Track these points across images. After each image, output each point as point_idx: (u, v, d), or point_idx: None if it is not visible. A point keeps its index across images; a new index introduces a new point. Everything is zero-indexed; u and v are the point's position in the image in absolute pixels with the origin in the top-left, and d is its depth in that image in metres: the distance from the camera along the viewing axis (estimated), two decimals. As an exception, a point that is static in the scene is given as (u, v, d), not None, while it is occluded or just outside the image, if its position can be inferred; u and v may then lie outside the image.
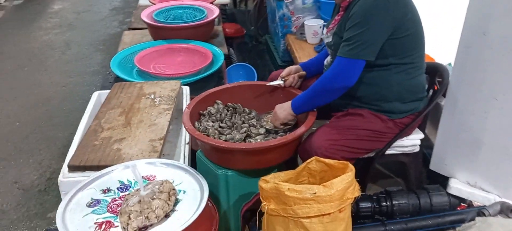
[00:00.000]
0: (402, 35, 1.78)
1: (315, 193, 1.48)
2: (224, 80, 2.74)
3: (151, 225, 1.41)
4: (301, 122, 1.91)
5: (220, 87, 2.16)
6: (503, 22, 1.69)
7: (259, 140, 1.91)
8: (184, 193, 1.56)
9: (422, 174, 2.15)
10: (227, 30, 4.33)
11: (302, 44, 3.37)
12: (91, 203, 1.54)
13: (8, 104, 3.46)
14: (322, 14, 3.44)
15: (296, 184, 1.70)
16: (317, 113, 1.89)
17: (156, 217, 1.41)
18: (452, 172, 2.02)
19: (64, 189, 1.76)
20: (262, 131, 1.97)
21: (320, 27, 3.28)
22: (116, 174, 1.67)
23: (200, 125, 1.98)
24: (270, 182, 1.58)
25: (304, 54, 3.18)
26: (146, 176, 1.66)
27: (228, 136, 1.92)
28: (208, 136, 1.89)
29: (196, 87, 2.49)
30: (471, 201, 1.99)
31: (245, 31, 4.61)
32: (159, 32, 3.08)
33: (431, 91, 2.07)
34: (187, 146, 2.02)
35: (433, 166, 2.09)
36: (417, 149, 2.04)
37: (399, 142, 1.98)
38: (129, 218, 1.40)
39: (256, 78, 3.32)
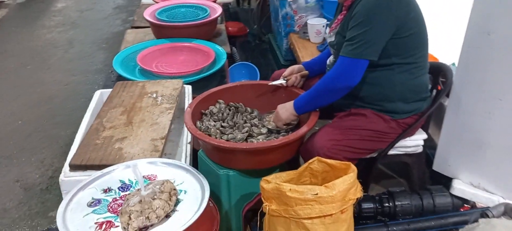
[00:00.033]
0: (405, 35, 1.76)
1: (316, 194, 1.47)
2: (227, 79, 2.73)
3: (151, 225, 1.41)
4: (303, 121, 1.90)
5: (222, 87, 2.15)
6: (508, 22, 1.68)
7: (261, 140, 1.90)
8: (185, 193, 1.55)
9: (425, 174, 2.13)
10: (230, 29, 4.31)
11: (305, 43, 3.36)
12: (92, 202, 1.53)
13: (11, 103, 3.47)
14: (325, 13, 3.43)
15: (298, 184, 1.70)
16: (319, 113, 1.88)
17: (156, 217, 1.41)
18: (455, 172, 2.01)
19: (65, 188, 1.76)
20: (264, 130, 1.96)
21: (323, 26, 3.26)
22: (117, 174, 1.67)
23: (202, 124, 1.97)
24: (271, 182, 1.58)
25: (307, 53, 3.17)
26: (147, 176, 1.65)
27: (229, 135, 1.91)
28: (209, 135, 1.88)
29: (198, 86, 2.49)
30: (474, 202, 1.97)
31: (248, 30, 4.60)
32: (161, 31, 3.08)
33: (434, 92, 2.05)
34: (188, 145, 2.01)
35: (436, 167, 2.08)
36: (420, 149, 2.02)
37: (402, 142, 1.96)
38: (130, 218, 1.39)
39: (258, 77, 3.31)
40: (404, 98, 1.87)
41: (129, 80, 2.47)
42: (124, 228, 1.39)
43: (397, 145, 1.95)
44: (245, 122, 2.03)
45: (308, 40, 3.38)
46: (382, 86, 1.85)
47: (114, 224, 1.43)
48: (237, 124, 2.01)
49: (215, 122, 2.01)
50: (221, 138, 1.89)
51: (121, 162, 1.74)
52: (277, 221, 1.59)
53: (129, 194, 1.53)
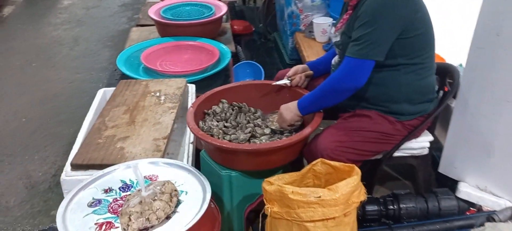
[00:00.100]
0: (411, 35, 1.74)
1: (319, 197, 1.45)
2: (231, 78, 2.71)
3: (152, 227, 1.40)
4: (307, 122, 1.88)
5: (225, 86, 2.14)
6: (517, 23, 1.65)
7: (264, 141, 1.88)
8: (186, 194, 1.54)
9: (430, 177, 2.10)
10: (235, 27, 4.30)
11: (310, 43, 3.33)
12: (92, 203, 1.52)
13: (15, 100, 3.47)
14: (331, 12, 3.40)
15: (301, 186, 1.68)
16: (323, 114, 1.85)
17: (157, 219, 1.39)
18: (461, 175, 1.98)
19: (67, 188, 1.75)
20: (267, 131, 1.94)
21: (329, 25, 3.23)
22: (118, 173, 1.66)
23: (205, 124, 1.96)
24: (274, 184, 1.56)
25: (312, 52, 3.15)
26: (148, 176, 1.64)
27: (232, 136, 1.89)
28: (212, 135, 1.86)
29: (202, 85, 2.48)
30: (480, 206, 1.94)
31: (253, 29, 4.58)
32: (166, 29, 3.07)
33: (441, 93, 2.02)
34: (191, 145, 2.00)
35: (442, 169, 2.05)
36: (426, 151, 1.99)
37: (407, 144, 1.94)
38: (130, 219, 1.38)
39: (263, 77, 3.29)
40: (410, 99, 1.84)
41: (133, 79, 2.46)
42: (124, 229, 1.38)
43: (402, 146, 1.92)
44: (248, 122, 2.01)
45: (314, 39, 3.35)
46: (387, 87, 1.82)
47: (114, 225, 1.42)
48: (240, 124, 1.99)
49: (218, 122, 1.99)
50: (224, 138, 1.88)
51: (122, 162, 1.73)
52: (279, 223, 1.57)
53: (129, 194, 1.52)
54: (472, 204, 1.94)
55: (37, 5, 5.68)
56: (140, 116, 2.04)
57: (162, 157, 1.78)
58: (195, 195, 1.53)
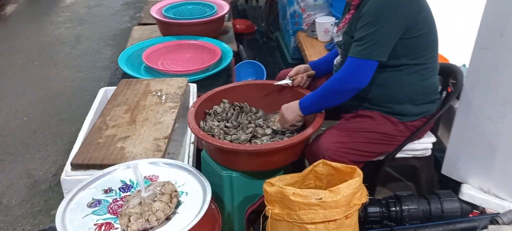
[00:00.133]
0: (414, 35, 1.72)
1: (320, 199, 1.43)
2: (233, 78, 2.70)
3: (151, 228, 1.39)
4: (309, 122, 1.86)
5: (226, 86, 2.12)
6: (522, 24, 1.63)
7: (265, 141, 1.87)
8: (186, 194, 1.53)
9: (433, 178, 2.09)
10: (237, 26, 4.29)
11: (313, 42, 3.31)
12: (92, 203, 1.52)
13: (17, 99, 3.46)
14: (334, 11, 3.38)
15: (302, 187, 1.67)
16: (325, 114, 1.84)
17: (156, 220, 1.38)
18: (464, 177, 1.97)
19: (67, 187, 1.75)
20: (268, 131, 1.93)
21: (332, 25, 3.22)
22: (118, 174, 1.65)
23: (206, 124, 1.95)
24: (275, 185, 1.55)
25: (314, 52, 3.13)
26: (148, 176, 1.63)
27: (233, 136, 1.88)
28: (213, 136, 1.85)
29: (203, 84, 2.47)
30: (484, 208, 1.93)
31: (256, 28, 4.56)
32: (168, 28, 3.06)
33: (444, 94, 2.00)
34: (192, 145, 1.99)
35: (445, 171, 2.03)
36: (428, 152, 1.98)
37: (410, 145, 1.92)
38: (129, 221, 1.37)
39: (265, 76, 3.28)
40: (413, 100, 1.82)
41: (134, 78, 2.45)
42: (123, 230, 1.37)
43: (405, 148, 1.91)
44: (250, 122, 1.99)
45: (316, 39, 3.33)
46: (390, 88, 1.80)
47: (114, 226, 1.41)
48: (241, 124, 1.98)
49: (219, 122, 1.98)
50: (225, 139, 1.86)
51: (123, 162, 1.72)
52: (280, 225, 1.55)
53: (129, 195, 1.51)
54: (475, 206, 1.92)
55: (40, 3, 5.68)
56: (141, 116, 2.03)
57: (163, 157, 1.77)
58: (195, 196, 1.52)
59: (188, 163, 1.86)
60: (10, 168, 2.68)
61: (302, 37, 3.42)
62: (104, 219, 1.44)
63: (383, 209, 1.87)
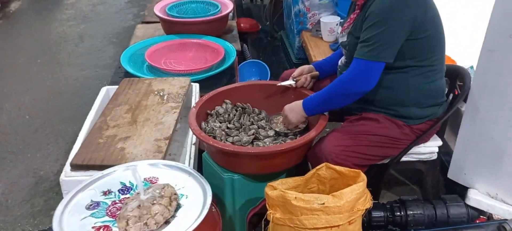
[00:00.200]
0: (421, 36, 1.68)
1: (323, 204, 1.40)
2: (236, 77, 2.67)
3: (149, 232, 1.36)
4: (312, 123, 1.84)
5: (229, 86, 2.10)
6: (532, 25, 1.59)
7: (267, 143, 1.83)
8: (186, 197, 1.50)
9: (439, 182, 2.05)
10: (242, 25, 4.27)
11: (317, 42, 3.28)
12: (91, 205, 1.49)
13: (19, 97, 3.46)
14: (339, 11, 3.35)
15: (305, 191, 1.64)
16: (328, 116, 1.81)
17: (155, 224, 1.36)
18: (471, 182, 1.93)
19: (66, 188, 1.73)
20: (271, 133, 1.90)
21: (337, 24, 3.19)
22: (118, 175, 1.62)
23: (207, 126, 1.92)
24: (277, 189, 1.52)
25: (319, 52, 3.10)
26: (148, 178, 1.60)
27: (235, 138, 1.85)
28: (214, 137, 1.83)
29: (206, 84, 2.44)
30: (491, 214, 1.88)
31: (260, 27, 4.54)
32: (171, 27, 3.03)
33: (451, 96, 1.97)
34: (193, 147, 1.96)
35: (451, 175, 1.99)
36: (434, 156, 1.94)
37: (415, 149, 1.89)
38: (127, 224, 1.35)
39: (269, 76, 3.25)
40: (419, 103, 1.79)
41: (136, 77, 2.43)
42: (121, 234, 1.34)
43: (410, 151, 1.87)
44: (252, 124, 1.96)
45: (321, 38, 3.30)
46: (395, 90, 1.77)
47: (112, 229, 1.38)
48: (243, 125, 1.95)
49: (220, 123, 1.95)
50: (226, 140, 1.83)
51: (123, 163, 1.69)
52: (282, 230, 1.52)
53: (128, 197, 1.49)
54: (482, 212, 1.88)
55: (45, 0, 5.68)
56: (142, 116, 2.01)
57: (164, 158, 1.75)
58: (196, 199, 1.49)
59: (189, 165, 1.83)
60: (11, 167, 2.67)
61: (306, 37, 3.39)
62: (102, 222, 1.41)
63: (388, 214, 1.84)
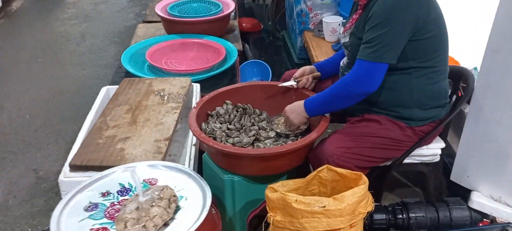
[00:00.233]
0: (424, 37, 1.66)
1: (324, 207, 1.39)
2: (237, 78, 2.65)
3: (148, 234, 1.34)
4: (313, 124, 1.82)
5: (230, 87, 2.08)
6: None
7: (268, 144, 1.82)
8: (186, 199, 1.48)
9: (442, 185, 2.03)
10: (244, 25, 4.25)
11: (319, 42, 3.26)
12: (89, 206, 1.48)
13: (20, 96, 3.44)
14: (342, 11, 3.32)
15: (306, 193, 1.62)
16: (330, 118, 1.79)
17: (154, 226, 1.34)
18: (474, 184, 1.91)
19: (65, 189, 1.71)
20: (272, 134, 1.88)
21: (339, 24, 3.16)
22: (117, 176, 1.61)
23: (207, 126, 1.90)
24: (277, 191, 1.50)
25: (321, 52, 3.07)
26: (147, 180, 1.58)
27: (235, 139, 1.83)
28: (214, 138, 1.81)
29: (207, 84, 2.42)
30: (494, 217, 1.87)
31: (262, 26, 4.52)
32: (172, 26, 3.02)
33: (454, 98, 1.95)
34: (193, 148, 1.94)
35: (454, 177, 1.97)
36: (437, 158, 1.92)
37: (418, 151, 1.87)
38: (126, 226, 1.33)
39: (270, 76, 3.23)
40: (422, 104, 1.76)
41: (137, 77, 2.41)
42: (119, 236, 1.33)
43: (412, 153, 1.86)
44: (253, 125, 1.95)
45: (323, 38, 3.28)
46: (398, 92, 1.75)
47: (110, 232, 1.37)
48: (244, 126, 1.93)
49: (221, 124, 1.93)
50: (227, 142, 1.82)
51: (122, 164, 1.68)
52: (282, 233, 1.51)
53: (127, 199, 1.47)
54: (485, 215, 1.86)
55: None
56: (142, 116, 1.99)
57: (164, 159, 1.73)
58: (195, 200, 1.47)
59: (189, 166, 1.81)
60: (10, 167, 2.65)
61: (308, 37, 3.37)
62: (100, 224, 1.39)
63: (390, 216, 1.82)
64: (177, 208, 1.43)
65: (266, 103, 2.07)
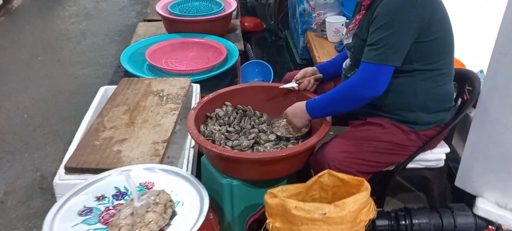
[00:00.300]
0: (429, 39, 1.62)
1: (325, 214, 1.35)
2: (238, 78, 2.61)
3: (143, 241, 1.30)
4: (315, 127, 1.78)
5: (229, 88, 2.04)
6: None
7: (268, 148, 1.77)
8: (182, 204, 1.44)
9: (446, 190, 1.99)
10: (246, 24, 4.21)
11: (322, 42, 3.21)
12: (83, 211, 1.44)
13: (18, 95, 3.41)
14: (345, 11, 3.27)
15: (307, 198, 1.58)
16: (331, 122, 1.75)
17: (149, 232, 1.30)
18: (479, 190, 1.86)
19: (60, 192, 1.68)
20: (272, 137, 1.84)
21: (342, 24, 3.11)
22: (112, 179, 1.58)
23: (206, 129, 1.86)
24: (277, 196, 1.46)
25: (323, 53, 3.03)
26: (143, 183, 1.55)
27: (235, 142, 1.79)
28: (213, 141, 1.77)
29: (207, 85, 2.39)
30: (500, 224, 1.82)
31: (264, 26, 4.47)
32: (173, 25, 2.98)
33: (459, 101, 1.90)
34: (192, 150, 1.91)
35: (458, 183, 1.93)
36: (441, 163, 1.88)
37: (422, 156, 1.82)
38: (120, 233, 1.29)
39: (272, 77, 3.19)
40: (426, 108, 1.72)
41: (136, 76, 2.38)
42: (113, 243, 1.29)
43: (416, 158, 1.81)
44: (253, 127, 1.91)
45: (326, 39, 3.23)
46: (402, 94, 1.70)
47: (103, 237, 1.33)
48: (244, 128, 1.89)
49: (220, 126, 1.89)
50: (226, 144, 1.77)
51: (118, 167, 1.64)
52: (281, 239, 1.46)
53: (122, 204, 1.43)
54: (490, 222, 1.82)
55: (47, -4, 5.64)
56: (140, 117, 1.96)
57: (161, 161, 1.70)
58: (192, 206, 1.44)
59: (187, 169, 1.77)
60: (7, 167, 2.62)
61: (311, 37, 3.32)
62: (94, 229, 1.36)
63: (392, 223, 1.78)
64: (173, 214, 1.40)
65: (267, 105, 2.04)
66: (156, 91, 2.16)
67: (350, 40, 1.79)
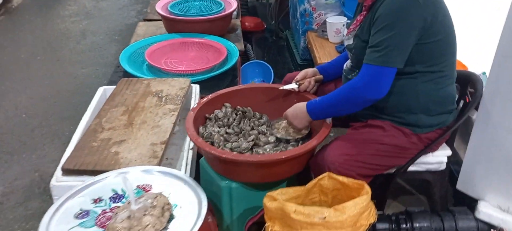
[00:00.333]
0: (431, 40, 1.60)
1: (324, 218, 1.32)
2: (238, 79, 2.59)
3: (139, 245, 1.28)
4: (315, 129, 1.75)
5: (229, 89, 2.02)
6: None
7: (267, 150, 1.75)
8: (180, 208, 1.42)
9: (447, 193, 1.97)
10: (246, 24, 4.19)
11: (323, 43, 3.19)
12: (80, 214, 1.43)
13: (17, 95, 3.39)
14: (346, 11, 3.25)
15: (306, 201, 1.56)
16: (332, 124, 1.73)
17: (146, 236, 1.28)
18: (481, 194, 1.84)
19: (57, 194, 1.67)
20: (272, 139, 1.82)
21: (343, 25, 3.09)
22: (110, 181, 1.56)
23: (205, 130, 1.84)
24: (276, 200, 1.44)
25: (324, 53, 3.01)
26: (141, 186, 1.53)
27: (234, 144, 1.77)
28: (212, 143, 1.75)
29: (207, 85, 2.37)
30: (502, 229, 1.80)
31: (265, 26, 4.45)
32: (173, 25, 2.97)
33: (461, 103, 1.88)
34: (190, 152, 1.89)
35: (460, 186, 1.91)
36: (443, 166, 1.86)
37: (423, 158, 1.80)
38: (116, 236, 1.27)
39: (272, 77, 3.17)
40: (428, 110, 1.70)
41: (135, 77, 2.36)
42: (109, 247, 1.27)
43: (418, 160, 1.79)
44: (252, 129, 1.89)
45: (327, 39, 3.21)
46: (403, 97, 1.68)
47: (100, 241, 1.31)
48: (243, 130, 1.87)
49: (219, 127, 1.87)
50: (225, 146, 1.76)
51: (116, 168, 1.62)
52: (280, 244, 1.44)
53: (119, 207, 1.41)
54: (492, 226, 1.80)
55: (47, -5, 5.63)
56: (139, 118, 1.94)
57: (159, 163, 1.68)
58: (190, 209, 1.42)
59: (185, 171, 1.75)
60: (5, 168, 2.60)
61: (312, 37, 3.30)
62: (90, 233, 1.34)
63: (393, 226, 1.76)
64: (171, 217, 1.38)
65: (267, 106, 2.02)
66: (155, 91, 2.14)
67: (351, 41, 1.77)
